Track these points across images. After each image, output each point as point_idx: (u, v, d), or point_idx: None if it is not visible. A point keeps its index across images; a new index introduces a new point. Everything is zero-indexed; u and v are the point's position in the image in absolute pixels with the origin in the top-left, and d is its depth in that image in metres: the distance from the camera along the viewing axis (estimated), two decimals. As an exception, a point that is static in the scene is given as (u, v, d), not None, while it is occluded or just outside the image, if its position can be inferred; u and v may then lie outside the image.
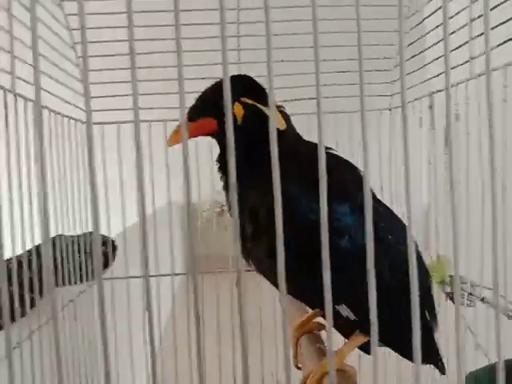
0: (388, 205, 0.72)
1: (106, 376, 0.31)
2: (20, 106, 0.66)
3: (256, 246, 0.54)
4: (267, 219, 0.50)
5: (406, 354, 0.57)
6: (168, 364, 1.05)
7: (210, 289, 1.05)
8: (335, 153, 0.60)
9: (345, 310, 0.53)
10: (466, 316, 0.73)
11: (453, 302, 0.75)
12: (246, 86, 0.59)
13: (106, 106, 0.96)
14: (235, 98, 0.58)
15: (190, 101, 0.65)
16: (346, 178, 0.55)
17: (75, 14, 0.77)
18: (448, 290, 0.76)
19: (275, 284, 0.58)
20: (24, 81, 0.66)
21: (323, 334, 0.64)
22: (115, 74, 0.90)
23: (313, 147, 0.57)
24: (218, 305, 1.06)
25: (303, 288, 0.53)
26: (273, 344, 1.09)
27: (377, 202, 0.60)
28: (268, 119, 0.58)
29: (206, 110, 0.58)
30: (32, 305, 0.72)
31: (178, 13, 0.30)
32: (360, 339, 0.55)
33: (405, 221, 0.81)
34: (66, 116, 0.86)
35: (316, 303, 0.58)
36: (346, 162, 0.60)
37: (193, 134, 0.59)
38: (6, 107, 0.61)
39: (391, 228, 0.57)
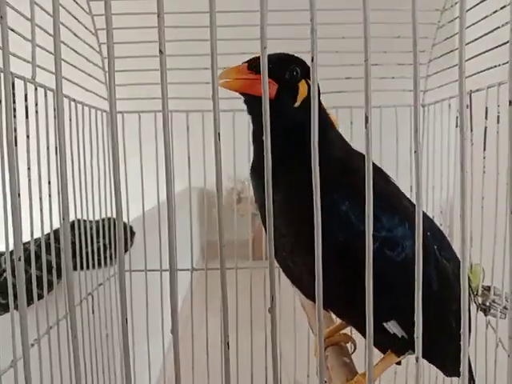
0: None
1: (126, 367, 0.29)
2: (40, 96, 0.64)
3: (286, 246, 0.51)
4: (304, 224, 0.47)
5: (442, 365, 0.56)
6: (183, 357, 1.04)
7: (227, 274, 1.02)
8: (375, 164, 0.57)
9: (394, 327, 0.50)
10: (499, 329, 0.69)
11: (484, 313, 0.72)
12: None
13: (126, 95, 0.94)
14: (303, 75, 0.51)
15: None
16: (389, 190, 0.52)
17: (98, 0, 0.74)
18: (479, 301, 0.72)
19: (306, 293, 0.55)
20: (44, 69, 0.64)
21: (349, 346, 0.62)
22: (139, 61, 0.88)
23: (359, 155, 0.53)
24: (237, 293, 1.03)
25: (340, 301, 0.50)
26: (291, 342, 1.07)
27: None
28: (326, 117, 0.53)
29: (269, 69, 0.50)
30: (49, 288, 0.71)
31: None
32: (392, 359, 0.52)
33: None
34: (87, 105, 0.83)
35: (354, 319, 0.54)
36: (382, 170, 0.57)
37: (247, 89, 0.48)
38: (26, 99, 0.58)
39: (436, 238, 0.55)
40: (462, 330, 0.32)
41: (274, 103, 0.49)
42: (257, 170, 0.52)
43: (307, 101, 0.50)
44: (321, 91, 0.59)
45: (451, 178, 0.86)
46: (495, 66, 0.67)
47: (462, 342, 0.30)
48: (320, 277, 0.29)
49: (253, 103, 0.50)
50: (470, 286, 0.69)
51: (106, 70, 0.95)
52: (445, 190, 0.89)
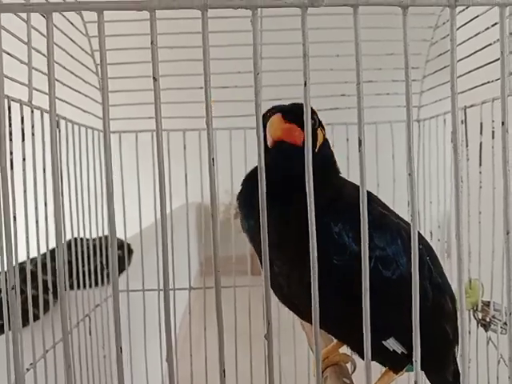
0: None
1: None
2: (37, 118, 0.64)
3: (283, 273, 0.52)
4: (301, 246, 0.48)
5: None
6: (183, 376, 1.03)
7: (225, 292, 1.00)
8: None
9: (393, 344, 0.51)
10: (499, 345, 0.69)
11: (484, 329, 0.71)
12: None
13: (123, 114, 0.94)
14: (318, 124, 0.56)
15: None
16: (378, 210, 0.53)
17: (94, 22, 0.75)
18: (479, 316, 0.72)
19: (304, 316, 0.55)
20: (40, 91, 0.64)
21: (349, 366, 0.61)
22: (134, 82, 0.88)
23: (350, 183, 0.55)
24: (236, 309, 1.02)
25: (337, 322, 0.50)
26: (291, 353, 1.06)
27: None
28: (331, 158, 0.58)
29: (298, 119, 0.51)
30: (46, 308, 0.70)
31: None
32: (390, 377, 0.52)
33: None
34: (84, 125, 0.83)
35: (352, 340, 0.54)
36: (371, 193, 0.58)
37: (287, 137, 0.51)
38: (22, 121, 0.58)
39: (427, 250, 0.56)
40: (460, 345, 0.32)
41: (301, 150, 0.50)
42: (247, 198, 0.53)
43: (321, 147, 0.55)
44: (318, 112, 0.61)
45: (448, 192, 0.87)
46: (488, 82, 0.68)
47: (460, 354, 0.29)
48: (316, 299, 0.29)
49: (284, 150, 0.51)
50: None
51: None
52: (442, 205, 0.89)
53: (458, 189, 0.32)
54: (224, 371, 0.27)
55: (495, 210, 0.68)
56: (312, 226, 0.29)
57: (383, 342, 0.51)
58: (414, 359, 0.28)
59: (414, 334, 0.28)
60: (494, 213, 0.68)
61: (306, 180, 0.29)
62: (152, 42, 0.27)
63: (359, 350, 0.53)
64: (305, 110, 0.29)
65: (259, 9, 0.28)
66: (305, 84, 0.28)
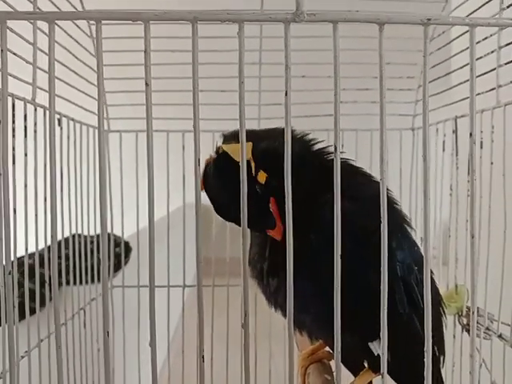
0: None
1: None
2: (40, 116, 0.66)
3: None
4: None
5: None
6: (176, 374, 1.04)
7: (221, 293, 1.02)
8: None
9: (378, 347, 0.51)
10: (481, 350, 0.70)
11: (469, 334, 0.73)
12: None
13: (125, 114, 0.96)
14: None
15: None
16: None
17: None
18: (464, 321, 0.73)
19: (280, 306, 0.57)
20: (44, 90, 0.66)
21: (333, 363, 0.63)
22: (134, 82, 0.90)
23: None
24: (228, 309, 1.03)
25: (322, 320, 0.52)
26: (281, 352, 1.08)
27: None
28: None
29: None
30: (43, 301, 0.72)
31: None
32: (369, 376, 0.53)
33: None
34: (86, 124, 0.86)
35: (323, 334, 0.56)
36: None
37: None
38: (25, 119, 0.60)
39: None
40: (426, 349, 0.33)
41: None
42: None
43: None
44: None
45: (438, 200, 0.88)
46: (478, 94, 0.70)
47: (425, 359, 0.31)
48: (291, 290, 0.31)
49: None
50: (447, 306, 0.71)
51: (106, 90, 0.98)
52: (433, 213, 0.91)
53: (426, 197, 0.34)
54: (203, 357, 0.29)
55: (481, 219, 0.70)
56: (289, 219, 0.31)
57: (370, 343, 0.52)
58: (380, 352, 0.30)
59: (381, 328, 0.30)
60: (480, 221, 0.70)
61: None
62: (145, 51, 0.29)
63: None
64: (285, 121, 0.30)
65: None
66: (286, 93, 0.30)
